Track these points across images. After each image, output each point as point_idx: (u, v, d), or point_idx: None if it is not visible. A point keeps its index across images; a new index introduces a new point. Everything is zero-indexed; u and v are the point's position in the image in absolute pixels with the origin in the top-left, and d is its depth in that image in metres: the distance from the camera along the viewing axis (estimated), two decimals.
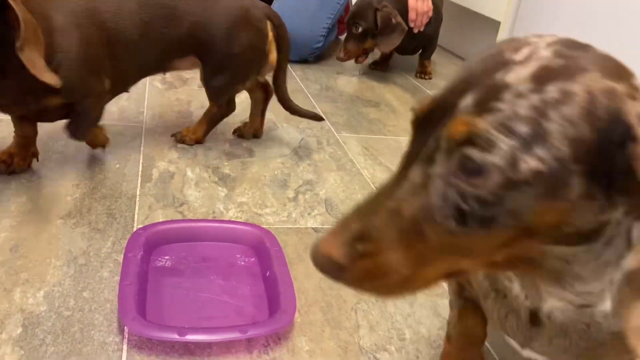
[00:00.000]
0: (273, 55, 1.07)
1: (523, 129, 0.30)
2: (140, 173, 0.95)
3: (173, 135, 1.09)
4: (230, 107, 1.11)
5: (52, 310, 0.62)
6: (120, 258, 0.72)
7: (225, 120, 1.13)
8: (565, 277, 0.36)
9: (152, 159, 1.01)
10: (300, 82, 1.61)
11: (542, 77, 0.31)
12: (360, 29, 1.57)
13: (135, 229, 0.79)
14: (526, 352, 0.45)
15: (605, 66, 0.32)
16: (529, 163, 0.30)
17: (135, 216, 0.83)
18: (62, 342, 0.58)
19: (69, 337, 0.59)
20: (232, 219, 0.86)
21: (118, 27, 0.86)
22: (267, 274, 0.71)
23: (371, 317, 0.69)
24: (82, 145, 0.99)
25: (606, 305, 0.37)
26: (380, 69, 1.84)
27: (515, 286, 0.42)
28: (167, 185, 0.93)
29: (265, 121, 1.21)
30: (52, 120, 0.88)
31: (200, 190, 0.93)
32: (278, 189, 0.98)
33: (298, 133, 1.24)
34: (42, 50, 0.71)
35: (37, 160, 0.93)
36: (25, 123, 0.88)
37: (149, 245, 0.73)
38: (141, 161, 0.98)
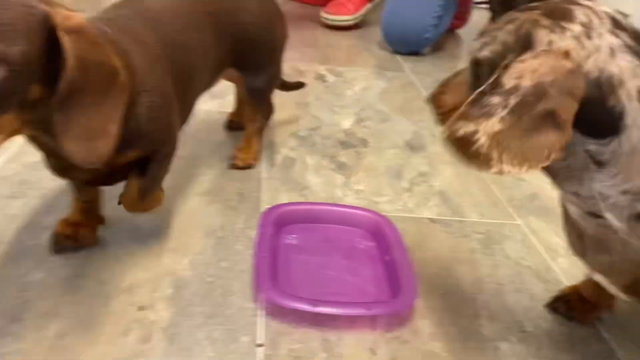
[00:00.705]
0: None
1: None
2: (265, 158, 1.02)
3: (232, 164, 0.96)
4: (271, 108, 1.00)
5: (196, 276, 0.69)
6: (252, 234, 0.79)
7: (337, 111, 1.17)
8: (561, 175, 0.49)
9: (274, 145, 1.07)
10: (411, 74, 1.62)
11: None
12: None
13: (263, 209, 0.85)
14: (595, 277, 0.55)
15: None
16: None
17: (263, 197, 0.89)
18: (207, 304, 0.65)
19: (212, 300, 0.66)
20: (350, 205, 0.90)
21: (182, 57, 0.71)
22: (387, 258, 0.74)
23: (491, 308, 0.70)
24: (216, 132, 1.07)
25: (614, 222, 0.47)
26: None
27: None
28: (290, 171, 0.99)
29: (378, 114, 1.24)
30: (120, 180, 0.68)
31: (319, 177, 0.98)
32: (393, 179, 1.00)
33: (411, 125, 1.26)
34: (122, 100, 0.52)
35: (104, 225, 0.75)
36: (90, 187, 0.71)
37: (278, 224, 0.78)
38: (265, 148, 1.05)
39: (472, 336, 0.65)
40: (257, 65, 0.89)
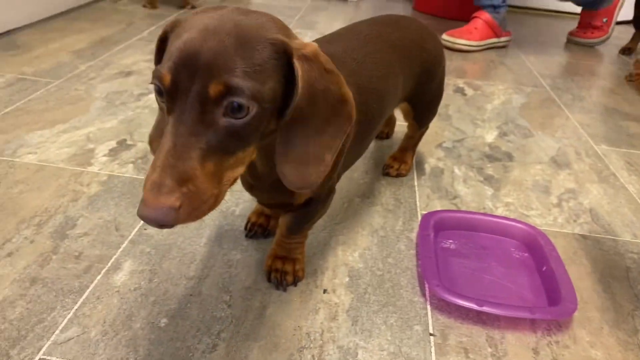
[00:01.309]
0: None
1: None
2: (415, 167, 1.09)
3: (386, 172, 1.04)
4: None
5: (367, 268, 0.78)
6: (411, 236, 0.86)
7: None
8: None
9: (422, 155, 1.14)
10: (551, 91, 1.62)
11: None
12: None
13: (419, 213, 0.93)
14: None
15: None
16: None
17: (417, 202, 0.96)
18: (380, 293, 0.73)
19: (384, 291, 0.74)
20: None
21: (373, 103, 0.72)
22: (544, 268, 0.79)
23: None
24: None
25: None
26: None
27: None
28: (439, 179, 1.05)
29: (520, 129, 1.26)
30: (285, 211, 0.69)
31: (468, 187, 1.03)
32: (541, 194, 1.03)
33: (554, 142, 1.27)
34: (345, 130, 0.51)
35: None
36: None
37: (437, 228, 0.85)
38: (414, 157, 1.12)
39: (632, 349, 0.68)
40: (427, 95, 0.93)
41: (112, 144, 1.06)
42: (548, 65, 1.88)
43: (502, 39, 2.05)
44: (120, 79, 1.38)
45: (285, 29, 0.48)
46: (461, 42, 1.95)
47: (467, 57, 1.88)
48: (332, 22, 2.18)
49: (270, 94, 0.45)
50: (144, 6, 2.10)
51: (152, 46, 1.65)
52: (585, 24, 2.19)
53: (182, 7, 2.14)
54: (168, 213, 0.41)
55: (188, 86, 0.43)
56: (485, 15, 1.99)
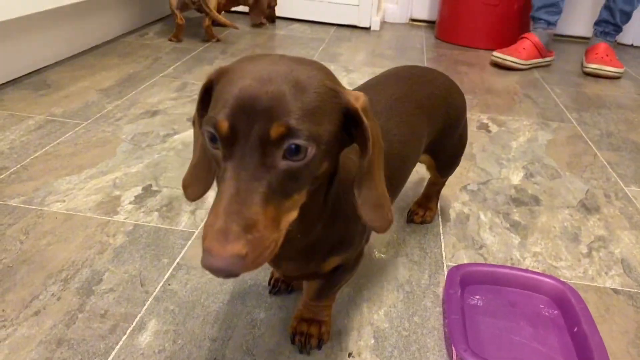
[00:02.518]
0: None
1: None
2: (440, 212, 1.08)
3: (410, 219, 1.03)
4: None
5: (393, 328, 0.77)
6: (438, 291, 0.85)
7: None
8: None
9: (446, 198, 1.13)
10: (578, 125, 1.59)
11: None
12: None
13: (446, 265, 0.91)
14: None
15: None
16: None
17: (443, 253, 0.95)
18: (406, 357, 0.72)
19: (410, 354, 0.73)
20: (530, 269, 0.92)
21: (396, 166, 0.72)
22: (575, 329, 0.76)
23: None
24: None
25: None
26: None
27: None
28: (465, 226, 1.04)
29: (547, 170, 1.24)
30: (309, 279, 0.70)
31: (495, 235, 1.02)
32: (570, 242, 1.01)
33: (582, 183, 1.24)
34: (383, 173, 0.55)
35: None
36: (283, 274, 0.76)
37: (463, 284, 0.84)
38: (439, 202, 1.11)
39: None
40: (450, 148, 0.92)
41: (138, 190, 1.07)
42: (574, 97, 1.85)
43: (547, 58, 2.19)
44: (146, 119, 1.40)
45: (332, 76, 0.50)
46: (510, 59, 2.08)
47: (490, 90, 1.86)
48: (355, 54, 2.18)
49: (326, 135, 0.47)
50: (170, 39, 2.13)
51: (177, 83, 1.68)
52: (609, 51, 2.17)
53: (206, 40, 2.17)
54: (236, 262, 0.40)
55: (247, 131, 0.44)
56: (533, 37, 2.14)
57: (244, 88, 0.44)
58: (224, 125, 0.44)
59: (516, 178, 1.24)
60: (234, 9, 2.44)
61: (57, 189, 1.05)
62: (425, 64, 2.12)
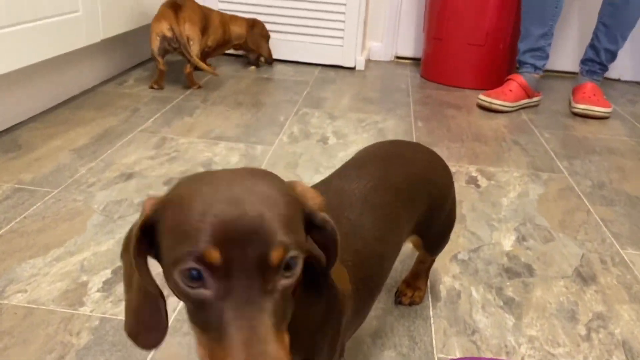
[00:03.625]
0: None
1: None
2: (429, 289, 1.02)
3: (398, 301, 0.97)
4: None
5: None
6: None
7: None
8: None
9: (436, 272, 1.07)
10: (569, 176, 1.55)
11: None
12: None
13: (436, 357, 0.85)
14: None
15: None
16: None
17: (433, 342, 0.89)
18: None
19: None
20: (525, 357, 0.86)
21: (372, 267, 0.67)
22: None
23: None
24: None
25: None
26: None
27: None
28: (456, 307, 0.98)
29: (539, 231, 1.19)
30: None
31: (488, 316, 0.96)
32: (567, 322, 0.95)
33: (577, 246, 1.19)
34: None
35: None
36: None
37: None
38: (429, 276, 1.05)
39: None
40: (436, 227, 0.86)
41: (107, 273, 1.00)
42: (564, 142, 1.82)
43: (534, 99, 2.17)
44: (120, 183, 1.34)
45: (284, 181, 0.47)
46: (497, 102, 2.06)
47: (477, 136, 1.82)
48: (340, 98, 2.14)
49: (304, 242, 0.45)
50: (151, 87, 2.08)
51: (155, 138, 1.62)
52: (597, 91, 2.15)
53: (187, 87, 2.12)
54: None
55: (241, 260, 0.39)
56: (519, 78, 2.11)
57: (220, 213, 0.40)
58: (215, 255, 0.39)
59: (508, 243, 1.19)
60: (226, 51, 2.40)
61: (19, 275, 0.98)
62: (412, 107, 2.08)
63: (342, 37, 2.54)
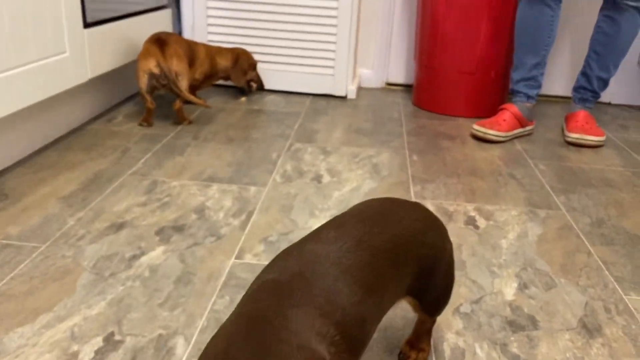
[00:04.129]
0: None
1: None
2: (433, 348, 0.99)
3: None
4: None
5: None
6: None
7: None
8: None
9: (439, 328, 1.04)
10: (567, 213, 1.53)
11: None
12: None
13: None
14: None
15: None
16: None
17: None
18: None
19: None
20: None
21: (356, 329, 0.63)
22: None
23: None
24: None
25: None
26: None
27: None
28: None
29: (541, 277, 1.17)
30: None
31: None
32: None
33: (580, 293, 1.17)
34: None
35: None
36: None
37: None
38: (432, 334, 1.02)
39: None
40: (432, 289, 0.83)
41: (99, 341, 0.97)
42: (559, 174, 1.81)
43: (527, 128, 2.16)
44: (111, 235, 1.30)
45: None
46: (492, 132, 2.05)
47: (474, 170, 1.81)
48: (332, 130, 2.13)
49: None
50: (140, 124, 2.05)
51: (146, 182, 1.59)
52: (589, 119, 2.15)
53: (178, 123, 2.09)
54: None
55: None
56: (513, 107, 2.11)
57: None
58: None
59: (510, 291, 1.17)
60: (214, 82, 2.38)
61: (7, 347, 0.94)
62: (405, 139, 2.07)
63: (333, 67, 2.53)
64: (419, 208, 0.83)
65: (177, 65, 1.96)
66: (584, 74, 2.16)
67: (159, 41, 1.98)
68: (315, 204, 1.51)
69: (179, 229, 1.35)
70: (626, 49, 2.08)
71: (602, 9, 2.07)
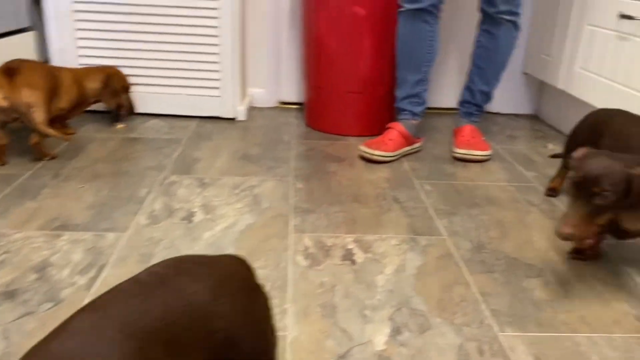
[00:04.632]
0: None
1: None
2: None
3: None
4: None
5: None
6: None
7: None
8: None
9: None
10: (448, 238, 1.48)
11: None
12: (604, 199, 1.09)
13: None
14: None
15: None
16: None
17: None
18: None
19: None
20: None
21: None
22: None
23: None
24: None
25: None
26: (587, 257, 1.39)
27: None
28: None
29: (416, 318, 1.09)
30: None
31: None
32: None
33: (454, 334, 1.10)
34: None
35: None
36: None
37: None
38: None
39: None
40: (242, 357, 0.69)
41: None
42: (445, 194, 1.76)
43: (414, 146, 2.12)
44: None
45: None
46: (377, 153, 1.99)
47: (359, 197, 1.73)
48: (216, 158, 1.98)
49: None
50: None
51: None
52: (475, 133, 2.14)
53: (38, 159, 1.87)
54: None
55: None
56: (399, 126, 2.06)
57: None
58: None
59: (381, 339, 1.08)
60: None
61: None
62: (292, 164, 1.96)
63: (218, 87, 2.39)
64: (217, 267, 0.70)
65: (29, 97, 1.75)
66: (467, 88, 2.16)
67: (8, 70, 1.76)
68: (181, 249, 1.37)
69: (10, 295, 1.16)
70: (506, 61, 2.09)
71: (480, 23, 2.07)
